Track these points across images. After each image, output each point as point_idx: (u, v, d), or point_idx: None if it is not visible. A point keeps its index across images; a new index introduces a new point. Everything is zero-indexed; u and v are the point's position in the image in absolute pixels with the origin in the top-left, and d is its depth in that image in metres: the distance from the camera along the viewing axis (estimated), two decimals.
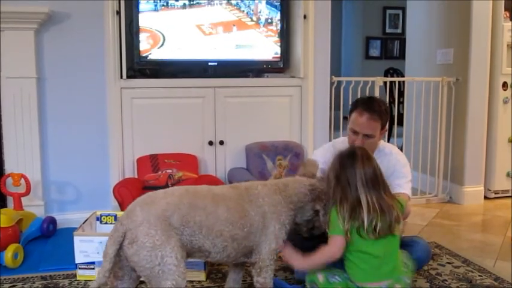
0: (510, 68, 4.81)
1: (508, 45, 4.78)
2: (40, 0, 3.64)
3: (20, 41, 3.66)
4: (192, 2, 3.99)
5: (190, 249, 2.24)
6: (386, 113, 2.80)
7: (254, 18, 4.13)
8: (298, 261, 2.41)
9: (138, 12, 3.85)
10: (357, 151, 2.37)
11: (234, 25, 4.08)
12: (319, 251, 2.34)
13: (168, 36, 3.96)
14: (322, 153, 2.97)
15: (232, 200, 2.33)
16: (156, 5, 3.91)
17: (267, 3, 4.13)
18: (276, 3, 4.14)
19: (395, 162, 2.85)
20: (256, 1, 4.10)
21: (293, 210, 2.43)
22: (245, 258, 2.42)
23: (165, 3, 3.94)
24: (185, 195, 2.26)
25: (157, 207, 2.16)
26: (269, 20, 4.15)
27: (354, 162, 2.31)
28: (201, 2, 4.02)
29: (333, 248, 2.30)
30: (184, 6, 3.98)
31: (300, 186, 2.46)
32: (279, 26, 4.16)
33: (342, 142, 3.01)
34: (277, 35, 4.15)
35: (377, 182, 2.32)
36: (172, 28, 3.98)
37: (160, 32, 3.95)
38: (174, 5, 3.97)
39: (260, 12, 4.13)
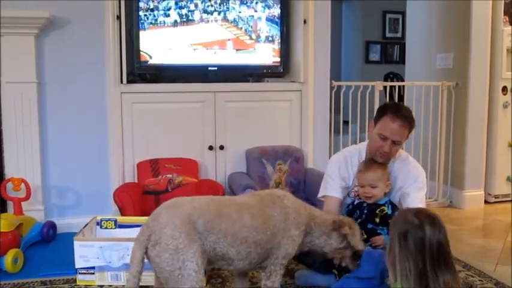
0: (510, 73, 4.82)
1: (507, 49, 4.79)
2: (41, 3, 3.65)
3: (21, 45, 3.67)
4: (183, 19, 3.94)
5: (213, 256, 2.24)
6: (413, 119, 2.80)
7: (253, 36, 4.13)
8: None
9: (138, 17, 3.85)
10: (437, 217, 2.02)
11: (229, 40, 4.07)
12: None
13: (155, 57, 3.94)
14: (337, 167, 2.95)
15: (255, 207, 2.37)
16: (142, 23, 3.88)
17: (268, 19, 4.12)
18: (276, 20, 4.13)
19: (416, 173, 2.87)
20: (255, 18, 4.10)
21: (305, 232, 2.51)
22: (263, 263, 2.45)
23: (153, 21, 3.89)
24: (212, 203, 2.29)
25: (184, 211, 2.17)
26: (270, 38, 4.15)
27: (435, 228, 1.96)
28: (194, 19, 3.98)
29: None
30: (175, 24, 3.95)
31: (326, 216, 2.60)
32: (278, 40, 4.15)
33: (357, 153, 2.96)
34: (277, 41, 4.16)
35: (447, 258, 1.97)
36: (161, 48, 3.95)
37: (147, 54, 3.92)
38: (164, 23, 3.93)
39: (260, 29, 4.13)
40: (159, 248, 2.09)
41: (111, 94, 3.85)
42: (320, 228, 2.54)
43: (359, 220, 2.75)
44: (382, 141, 2.74)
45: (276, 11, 4.12)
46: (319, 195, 2.99)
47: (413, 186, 2.80)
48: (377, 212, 2.74)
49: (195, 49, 4.00)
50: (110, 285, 2.90)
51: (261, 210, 2.37)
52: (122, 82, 3.84)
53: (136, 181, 3.86)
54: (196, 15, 3.96)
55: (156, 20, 3.89)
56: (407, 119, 2.73)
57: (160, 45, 3.93)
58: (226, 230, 2.22)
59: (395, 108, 2.78)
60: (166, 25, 3.92)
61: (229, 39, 4.06)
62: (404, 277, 1.89)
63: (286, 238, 2.39)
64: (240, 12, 4.05)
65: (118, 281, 2.90)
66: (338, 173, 2.91)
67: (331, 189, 2.91)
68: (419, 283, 1.87)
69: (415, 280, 1.87)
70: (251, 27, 4.10)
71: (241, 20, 4.07)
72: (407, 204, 2.75)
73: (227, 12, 4.02)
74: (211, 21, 4.01)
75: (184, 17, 3.93)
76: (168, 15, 3.91)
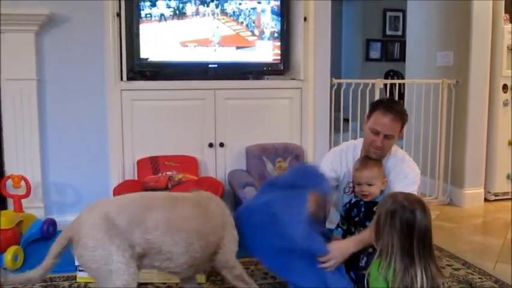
0: (510, 71, 4.82)
1: (508, 47, 4.78)
2: (41, 1, 3.64)
3: (20, 43, 3.66)
4: (174, 13, 3.88)
5: (148, 250, 2.23)
6: (406, 114, 2.83)
7: (256, 32, 4.12)
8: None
9: (138, 14, 3.84)
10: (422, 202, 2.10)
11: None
12: None
13: (155, 54, 3.93)
14: (331, 159, 2.99)
15: (191, 199, 2.41)
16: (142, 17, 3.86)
17: (268, 15, 4.10)
18: (277, 17, 4.11)
19: (407, 171, 2.86)
20: (258, 11, 4.08)
21: None
22: (210, 263, 2.46)
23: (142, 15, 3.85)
24: (138, 199, 2.34)
25: (101, 209, 2.20)
26: (270, 35, 4.13)
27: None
28: (186, 12, 3.94)
29: None
30: (162, 19, 3.90)
31: None
32: (279, 38, 4.14)
33: (353, 148, 2.99)
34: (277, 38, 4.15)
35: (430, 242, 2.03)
36: (149, 45, 3.91)
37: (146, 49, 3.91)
38: (152, 16, 3.88)
39: (260, 26, 4.11)
40: (80, 248, 2.14)
41: (111, 91, 3.85)
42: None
43: (357, 218, 2.75)
44: (374, 136, 2.77)
45: (276, 7, 4.11)
46: None
47: (402, 182, 2.78)
48: (374, 209, 2.73)
49: (194, 46, 3.99)
50: None
51: (198, 202, 2.40)
52: (121, 79, 3.84)
53: (136, 178, 3.86)
54: (192, 9, 3.96)
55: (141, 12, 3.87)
56: (398, 113, 2.76)
57: (148, 43, 3.91)
58: (157, 220, 2.23)
59: (387, 103, 2.83)
60: (153, 19, 3.90)
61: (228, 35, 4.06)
62: (386, 252, 1.95)
63: (228, 233, 2.45)
64: (240, 4, 4.04)
65: None
66: (330, 165, 2.97)
67: None
68: (401, 261, 1.93)
69: (398, 258, 1.93)
70: (253, 22, 4.09)
71: (242, 14, 4.06)
72: None
73: (225, 4, 4.02)
74: (208, 14, 4.00)
75: (178, 10, 3.92)
76: (168, 7, 3.91)
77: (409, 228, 1.95)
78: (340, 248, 2.57)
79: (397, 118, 2.75)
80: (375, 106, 2.84)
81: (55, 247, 2.19)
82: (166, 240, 2.24)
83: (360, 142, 2.99)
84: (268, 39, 4.13)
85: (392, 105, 2.81)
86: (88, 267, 2.16)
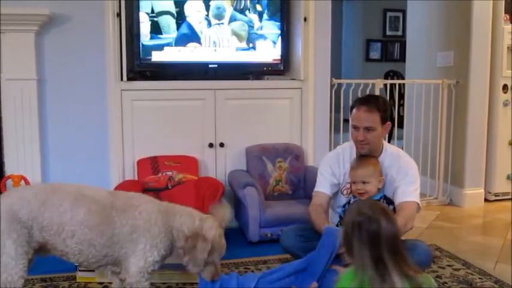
0: (510, 71, 4.82)
1: (508, 47, 4.79)
2: (41, 1, 3.64)
3: (21, 42, 3.66)
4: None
5: (44, 245, 2.26)
6: (384, 105, 2.86)
7: (254, 34, 4.11)
8: None
9: (139, 14, 3.85)
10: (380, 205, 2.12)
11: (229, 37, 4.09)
12: None
13: (155, 54, 3.94)
14: (329, 163, 3.00)
15: (98, 204, 2.30)
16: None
17: (268, 17, 4.10)
18: (277, 17, 4.12)
19: (406, 167, 2.86)
20: (256, 15, 4.08)
21: (169, 241, 2.38)
22: (114, 268, 2.38)
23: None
24: (43, 191, 2.30)
25: (7, 201, 2.23)
26: (275, 35, 4.13)
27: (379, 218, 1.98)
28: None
29: None
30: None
31: (186, 225, 2.37)
32: (279, 38, 4.15)
33: (348, 148, 3.00)
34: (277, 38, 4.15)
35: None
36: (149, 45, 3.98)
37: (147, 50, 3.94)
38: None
39: (260, 27, 4.11)
40: None
41: (111, 91, 3.85)
42: (180, 241, 2.38)
43: None
44: (355, 131, 2.83)
45: (277, 8, 4.11)
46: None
47: (403, 180, 2.80)
48: None
49: (195, 46, 4.00)
50: (110, 282, 2.89)
51: (104, 210, 2.29)
52: (122, 79, 3.84)
53: (136, 178, 3.86)
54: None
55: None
56: (372, 104, 2.81)
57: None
58: (51, 218, 2.22)
59: (360, 98, 2.95)
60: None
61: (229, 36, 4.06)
62: (361, 264, 1.94)
63: (133, 251, 2.29)
64: (241, 9, 4.05)
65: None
66: (330, 169, 2.97)
67: (321, 186, 2.97)
68: (376, 270, 1.92)
69: (372, 267, 1.93)
70: (252, 24, 4.09)
71: (242, 17, 4.06)
72: (397, 198, 2.78)
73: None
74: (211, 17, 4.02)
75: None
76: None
77: (377, 239, 1.95)
78: None
79: (371, 109, 2.79)
80: (352, 105, 2.93)
81: None
82: (57, 241, 2.25)
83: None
84: (269, 39, 4.13)
85: (365, 98, 2.91)
86: None
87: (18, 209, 2.21)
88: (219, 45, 4.04)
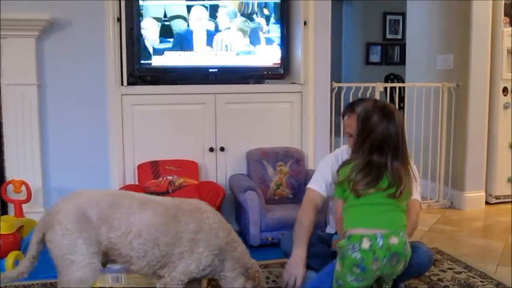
0: (510, 73, 4.82)
1: (508, 50, 4.79)
2: (41, 5, 3.65)
3: (21, 48, 3.68)
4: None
5: (110, 249, 2.26)
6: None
7: (254, 38, 4.12)
8: None
9: (139, 19, 3.86)
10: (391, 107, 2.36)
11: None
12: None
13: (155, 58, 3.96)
14: (330, 164, 2.98)
15: (163, 206, 2.34)
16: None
17: (268, 21, 4.11)
18: (277, 21, 4.12)
19: None
20: (259, 15, 4.08)
21: (220, 260, 2.39)
22: (164, 271, 2.36)
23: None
24: (111, 194, 2.36)
25: (77, 200, 2.26)
26: (275, 39, 4.14)
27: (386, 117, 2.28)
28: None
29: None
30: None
31: (245, 254, 2.48)
32: (279, 42, 4.15)
33: (346, 151, 3.01)
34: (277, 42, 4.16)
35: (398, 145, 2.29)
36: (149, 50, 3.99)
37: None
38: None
39: (264, 29, 4.12)
40: (50, 233, 2.20)
41: (111, 96, 3.86)
42: (234, 262, 2.42)
43: None
44: (350, 138, 2.84)
45: (277, 12, 4.12)
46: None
47: None
48: None
49: (195, 51, 4.00)
50: (111, 287, 2.90)
51: (169, 211, 2.32)
52: (122, 84, 3.84)
53: (136, 183, 3.87)
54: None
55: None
56: (350, 109, 2.84)
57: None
58: (120, 219, 2.24)
59: (348, 106, 2.96)
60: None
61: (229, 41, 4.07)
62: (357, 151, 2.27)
63: (191, 252, 2.30)
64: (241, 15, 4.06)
65: (119, 283, 2.90)
66: (330, 170, 2.93)
67: (317, 184, 2.95)
68: (369, 163, 2.23)
69: (365, 157, 2.24)
70: (261, 28, 4.10)
71: (243, 21, 4.07)
72: None
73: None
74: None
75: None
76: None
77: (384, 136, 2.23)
78: None
79: (351, 115, 2.80)
80: (343, 113, 2.94)
81: (35, 235, 2.26)
82: (124, 243, 2.26)
83: None
84: (269, 43, 4.13)
85: (353, 105, 2.89)
86: (53, 253, 2.21)
87: (88, 209, 2.23)
88: (228, 48, 4.05)
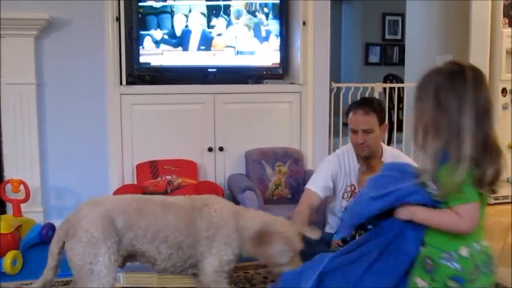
0: (509, 74, 4.83)
1: (507, 51, 4.80)
2: (40, 5, 3.65)
3: (20, 47, 3.67)
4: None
5: (131, 251, 2.26)
6: (380, 107, 2.90)
7: (253, 38, 4.12)
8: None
9: (138, 18, 3.85)
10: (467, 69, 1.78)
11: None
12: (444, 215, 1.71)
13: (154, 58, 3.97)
14: (330, 167, 3.00)
15: (182, 208, 2.33)
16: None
17: (268, 21, 4.11)
18: (276, 22, 4.12)
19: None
20: (258, 15, 4.08)
21: (242, 240, 2.33)
22: (195, 270, 2.37)
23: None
24: (135, 201, 2.33)
25: (103, 206, 2.22)
26: (274, 39, 4.14)
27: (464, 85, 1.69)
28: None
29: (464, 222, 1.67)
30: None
31: (258, 224, 2.32)
32: (278, 42, 4.14)
33: (347, 151, 3.01)
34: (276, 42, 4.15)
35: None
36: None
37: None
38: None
39: (260, 31, 4.12)
40: (73, 241, 2.15)
41: (110, 95, 3.86)
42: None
43: None
44: (354, 135, 2.86)
45: (276, 12, 4.11)
46: None
47: None
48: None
49: (194, 50, 4.00)
50: None
51: (188, 212, 2.32)
52: (121, 84, 3.84)
53: (135, 183, 3.86)
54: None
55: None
56: (367, 106, 2.85)
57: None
58: (147, 226, 2.23)
59: (355, 103, 3.00)
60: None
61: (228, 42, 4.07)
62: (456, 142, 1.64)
63: (209, 249, 2.29)
64: (239, 16, 4.05)
65: (117, 283, 2.89)
66: (330, 171, 2.97)
67: (316, 185, 2.96)
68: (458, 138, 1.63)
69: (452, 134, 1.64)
70: (256, 34, 4.10)
71: (243, 22, 4.07)
72: None
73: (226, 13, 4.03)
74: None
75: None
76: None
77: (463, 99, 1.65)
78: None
79: (367, 111, 2.82)
80: (348, 109, 2.96)
81: (55, 245, 2.21)
82: (150, 247, 2.25)
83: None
84: (268, 43, 4.13)
85: (360, 102, 2.95)
86: (73, 262, 2.16)
87: (115, 216, 2.20)
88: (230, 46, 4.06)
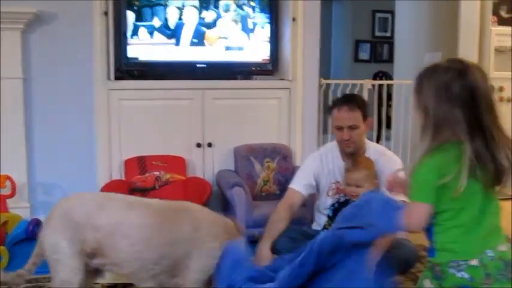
0: (498, 72, 4.85)
1: (496, 49, 4.82)
2: (27, 0, 3.61)
3: (7, 41, 3.64)
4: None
5: (96, 250, 2.26)
6: (363, 103, 2.93)
7: (245, 32, 4.10)
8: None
9: (126, 13, 3.82)
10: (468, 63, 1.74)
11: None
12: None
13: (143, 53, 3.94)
14: (313, 165, 3.01)
15: (151, 206, 2.33)
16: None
17: (257, 16, 4.10)
18: (266, 17, 4.11)
19: (391, 162, 2.87)
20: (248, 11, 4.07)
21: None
22: (169, 279, 2.29)
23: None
24: (97, 197, 2.42)
25: (67, 202, 2.35)
26: (264, 35, 4.13)
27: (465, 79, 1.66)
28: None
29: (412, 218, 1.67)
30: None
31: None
32: (268, 38, 4.13)
33: (331, 149, 3.02)
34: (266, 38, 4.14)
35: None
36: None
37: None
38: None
39: (249, 27, 4.10)
40: (41, 234, 2.32)
41: (98, 91, 3.83)
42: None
43: None
44: (339, 132, 2.86)
45: (266, 8, 4.10)
46: None
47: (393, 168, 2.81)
48: None
49: (184, 45, 3.98)
50: (96, 283, 2.87)
51: (161, 211, 2.30)
52: (109, 79, 3.81)
53: (123, 178, 3.84)
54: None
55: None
56: (351, 102, 2.86)
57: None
58: (106, 219, 2.25)
59: (338, 99, 3.03)
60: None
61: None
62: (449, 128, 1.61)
63: (199, 249, 2.24)
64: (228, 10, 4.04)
65: (103, 279, 2.87)
66: (312, 169, 2.99)
67: (298, 184, 2.98)
68: (471, 132, 1.59)
69: (465, 128, 1.60)
70: (244, 27, 4.08)
71: (231, 17, 4.05)
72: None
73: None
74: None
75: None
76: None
77: (470, 96, 1.61)
78: None
79: (352, 108, 2.83)
80: (331, 106, 2.98)
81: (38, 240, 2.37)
82: (109, 244, 2.24)
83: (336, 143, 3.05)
84: (257, 39, 4.12)
85: (344, 99, 2.98)
86: (44, 250, 2.30)
87: (74, 209, 2.29)
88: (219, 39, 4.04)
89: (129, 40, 3.86)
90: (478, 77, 1.65)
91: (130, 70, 4.01)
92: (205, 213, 2.39)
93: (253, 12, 4.09)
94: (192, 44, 4.00)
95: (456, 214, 1.65)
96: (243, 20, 4.07)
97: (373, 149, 2.95)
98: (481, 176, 1.61)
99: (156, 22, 3.91)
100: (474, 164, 1.59)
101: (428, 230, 1.71)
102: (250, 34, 4.10)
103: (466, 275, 1.63)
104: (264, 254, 2.74)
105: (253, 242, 3.52)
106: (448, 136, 1.62)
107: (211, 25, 4.01)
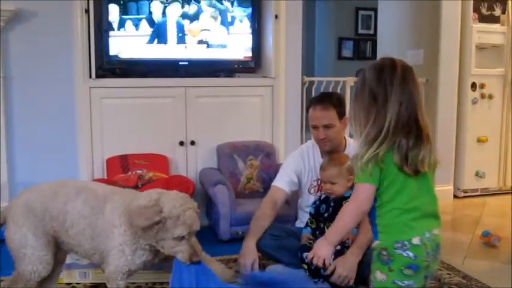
0: (479, 69, 4.89)
1: (476, 46, 4.86)
2: None
3: None
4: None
5: (56, 238, 2.33)
6: (339, 101, 2.94)
7: (225, 31, 4.09)
8: (324, 242, 1.94)
9: (107, 10, 3.79)
10: (398, 63, 1.99)
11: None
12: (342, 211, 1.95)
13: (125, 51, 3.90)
14: (294, 163, 3.06)
15: (94, 194, 2.32)
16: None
17: (239, 13, 4.08)
18: (248, 15, 4.10)
19: None
20: (230, 8, 4.05)
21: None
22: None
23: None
24: (55, 184, 2.40)
25: (26, 194, 2.36)
26: (246, 32, 4.12)
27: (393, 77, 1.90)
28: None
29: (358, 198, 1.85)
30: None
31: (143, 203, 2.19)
32: (250, 35, 4.12)
33: (312, 147, 3.03)
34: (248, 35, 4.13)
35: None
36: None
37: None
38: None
39: (231, 24, 4.08)
40: (6, 230, 2.34)
41: (79, 89, 3.79)
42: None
43: (326, 214, 2.76)
44: (315, 131, 2.89)
45: (248, 5, 4.09)
46: None
47: None
48: (343, 203, 2.74)
49: (166, 43, 3.95)
50: (78, 283, 2.86)
51: (98, 200, 2.28)
52: (90, 77, 3.78)
53: (105, 177, 3.81)
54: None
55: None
56: (325, 101, 2.89)
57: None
58: (58, 209, 2.28)
59: (312, 99, 3.04)
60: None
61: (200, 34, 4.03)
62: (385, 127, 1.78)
63: (110, 248, 2.23)
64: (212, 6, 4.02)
65: (86, 279, 2.86)
66: (293, 166, 3.03)
67: (281, 181, 3.03)
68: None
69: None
70: (224, 19, 4.06)
71: (213, 14, 4.04)
72: None
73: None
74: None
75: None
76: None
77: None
78: (346, 264, 2.57)
79: (326, 107, 2.86)
80: (307, 106, 3.00)
81: None
82: (63, 232, 2.29)
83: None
84: (240, 36, 4.10)
85: (319, 98, 2.98)
86: (10, 248, 2.34)
87: (33, 201, 2.32)
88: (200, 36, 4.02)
89: (111, 37, 3.82)
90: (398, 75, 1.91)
91: (112, 68, 3.98)
92: (119, 202, 2.26)
93: (232, 6, 4.07)
94: (178, 40, 3.96)
95: (393, 197, 1.84)
96: (222, 14, 4.04)
97: (353, 146, 2.96)
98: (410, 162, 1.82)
99: (139, 18, 3.88)
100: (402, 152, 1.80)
101: (371, 213, 1.87)
102: (230, 27, 4.07)
103: (411, 254, 1.82)
104: (249, 251, 2.74)
105: (237, 239, 3.55)
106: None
107: (192, 18, 3.97)
